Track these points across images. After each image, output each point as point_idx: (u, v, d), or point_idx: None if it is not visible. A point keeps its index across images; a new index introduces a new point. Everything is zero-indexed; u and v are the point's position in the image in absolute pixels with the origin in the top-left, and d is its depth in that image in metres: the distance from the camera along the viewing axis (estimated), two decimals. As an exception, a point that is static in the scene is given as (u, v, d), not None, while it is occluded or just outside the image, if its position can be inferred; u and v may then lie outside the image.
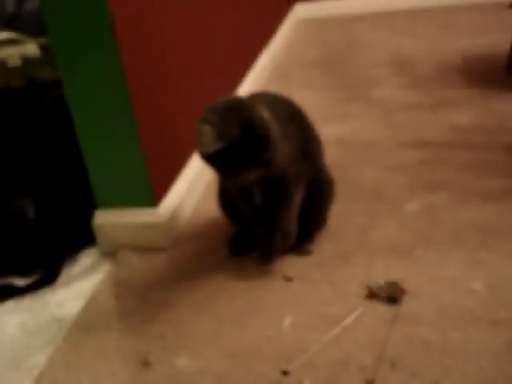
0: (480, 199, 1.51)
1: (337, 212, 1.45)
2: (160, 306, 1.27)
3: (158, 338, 1.18)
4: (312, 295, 1.24)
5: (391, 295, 1.18)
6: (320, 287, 1.26)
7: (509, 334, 1.06)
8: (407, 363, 1.03)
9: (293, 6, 3.89)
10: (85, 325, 1.26)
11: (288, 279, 1.30)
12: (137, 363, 1.12)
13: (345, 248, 1.38)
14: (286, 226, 1.31)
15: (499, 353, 1.03)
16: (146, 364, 1.11)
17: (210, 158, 1.16)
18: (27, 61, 1.50)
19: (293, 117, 1.30)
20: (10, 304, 1.37)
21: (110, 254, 1.49)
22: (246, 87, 2.35)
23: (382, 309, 1.16)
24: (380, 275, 1.26)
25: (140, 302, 1.30)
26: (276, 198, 1.29)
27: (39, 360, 1.17)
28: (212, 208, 1.52)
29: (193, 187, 1.67)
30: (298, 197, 1.31)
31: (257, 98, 1.26)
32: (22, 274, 1.43)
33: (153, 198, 1.46)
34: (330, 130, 1.94)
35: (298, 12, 3.94)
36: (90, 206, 1.49)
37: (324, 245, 1.40)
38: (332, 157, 1.49)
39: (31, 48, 1.51)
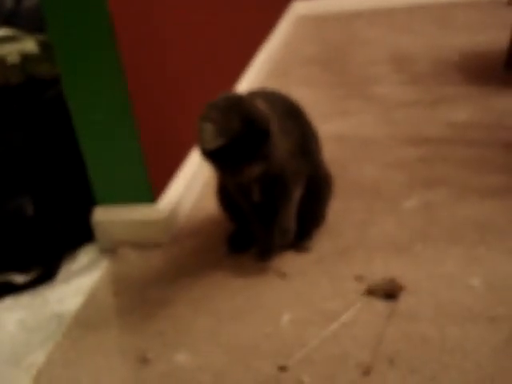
0: (478, 196, 1.51)
1: (335, 209, 1.46)
2: (159, 303, 1.27)
3: (156, 335, 1.18)
4: (310, 291, 1.24)
5: (389, 291, 1.19)
6: (318, 283, 1.26)
7: (507, 331, 1.06)
8: (405, 359, 1.03)
9: (291, 3, 3.88)
10: (84, 321, 1.26)
11: (282, 276, 1.30)
12: (135, 360, 1.12)
13: (343, 244, 1.38)
14: (285, 223, 1.31)
15: (497, 349, 1.03)
16: (144, 360, 1.11)
17: (210, 155, 1.16)
18: (26, 57, 1.50)
19: (291, 114, 1.30)
20: (9, 301, 1.37)
21: (109, 250, 1.49)
22: (245, 84, 2.35)
23: (380, 305, 1.17)
24: (378, 271, 1.26)
25: (139, 299, 1.30)
26: (274, 195, 1.30)
27: (38, 357, 1.17)
28: (211, 205, 1.52)
29: (192, 184, 1.68)
30: (297, 194, 1.32)
31: (255, 94, 1.27)
32: (21, 270, 1.43)
33: (152, 194, 1.47)
34: (328, 127, 1.95)
35: (297, 9, 3.94)
36: (89, 203, 1.49)
37: (322, 241, 1.40)
38: (331, 154, 1.49)
39: (30, 45, 1.51)
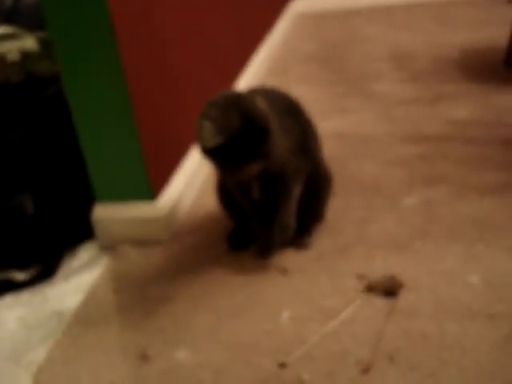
0: (478, 193, 1.51)
1: (335, 206, 1.46)
2: (159, 300, 1.27)
3: (156, 332, 1.18)
4: (310, 289, 1.24)
5: (389, 288, 1.19)
6: (318, 281, 1.26)
7: (506, 328, 1.07)
8: (405, 356, 1.03)
9: (290, 1, 3.88)
10: (84, 319, 1.26)
11: (284, 272, 1.31)
12: (136, 357, 1.12)
13: (343, 242, 1.38)
14: (285, 220, 1.31)
15: (496, 346, 1.03)
16: (144, 357, 1.11)
17: (210, 153, 1.16)
18: (26, 55, 1.50)
19: (291, 111, 1.30)
20: (9, 298, 1.37)
21: (108, 247, 1.49)
22: (244, 82, 2.36)
23: (379, 302, 1.17)
24: (378, 269, 1.26)
25: (139, 296, 1.30)
26: (274, 192, 1.30)
27: (38, 354, 1.17)
28: (211, 202, 1.52)
29: (191, 181, 1.68)
30: (297, 191, 1.32)
31: (255, 92, 1.27)
32: (21, 268, 1.43)
33: (152, 192, 1.47)
34: (328, 125, 1.95)
35: (296, 7, 3.94)
36: (89, 200, 1.49)
37: (322, 239, 1.40)
38: (330, 151, 1.49)
39: (30, 42, 1.51)
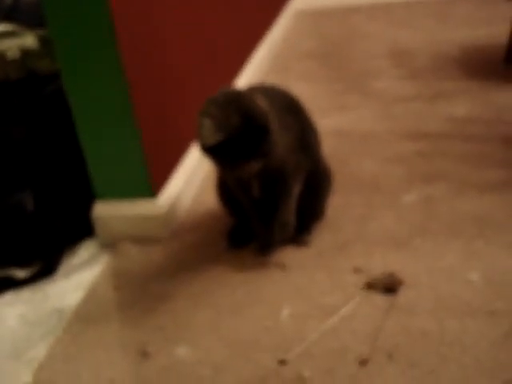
0: (477, 191, 1.51)
1: (335, 203, 1.46)
2: (159, 297, 1.27)
3: (157, 329, 1.18)
4: (310, 286, 1.24)
5: (389, 285, 1.19)
6: (318, 278, 1.27)
7: (505, 325, 1.07)
8: (404, 353, 1.03)
9: (290, -3, 3.88)
10: (84, 316, 1.27)
11: (282, 267, 1.31)
12: (136, 354, 1.13)
13: (343, 239, 1.38)
14: (285, 217, 1.31)
15: (496, 343, 1.03)
16: (145, 354, 1.12)
17: (210, 151, 1.16)
18: (26, 53, 1.50)
19: (290, 109, 1.30)
20: (10, 296, 1.37)
21: (109, 245, 1.49)
22: (244, 80, 2.36)
23: (379, 299, 1.17)
24: (378, 266, 1.27)
25: (139, 293, 1.30)
26: (274, 190, 1.30)
27: (39, 351, 1.17)
28: (211, 199, 1.52)
29: (191, 179, 1.68)
30: (296, 189, 1.32)
31: (255, 90, 1.27)
32: (22, 265, 1.43)
33: (152, 189, 1.47)
34: (328, 122, 1.95)
35: (295, 4, 3.94)
36: (89, 198, 1.49)
37: (322, 236, 1.40)
38: (330, 149, 1.49)
39: (30, 40, 1.51)
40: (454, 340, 1.05)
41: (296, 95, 1.34)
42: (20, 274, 1.41)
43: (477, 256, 1.27)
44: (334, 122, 2.04)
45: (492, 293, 1.16)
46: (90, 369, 1.11)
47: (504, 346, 1.03)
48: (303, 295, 1.22)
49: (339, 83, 2.47)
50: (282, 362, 1.05)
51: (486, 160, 1.67)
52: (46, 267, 1.42)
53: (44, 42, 1.50)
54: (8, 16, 1.62)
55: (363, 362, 1.02)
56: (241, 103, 1.15)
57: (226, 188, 1.39)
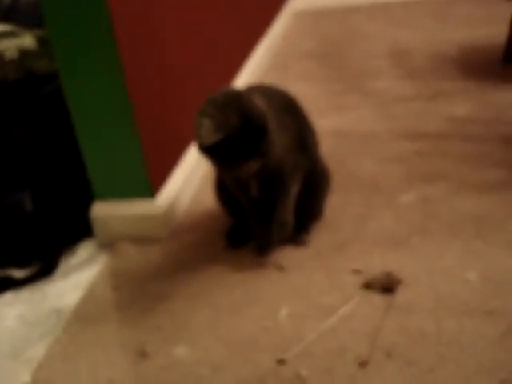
0: (476, 190, 1.52)
1: (333, 203, 1.46)
2: (157, 297, 1.28)
3: (155, 329, 1.18)
4: (308, 285, 1.24)
5: (387, 285, 1.19)
6: (316, 277, 1.27)
7: (503, 325, 1.07)
8: (403, 352, 1.03)
9: (289, -3, 3.88)
10: (83, 316, 1.27)
11: (280, 268, 1.31)
12: (134, 353, 1.13)
13: (341, 239, 1.38)
14: (283, 217, 1.31)
15: (494, 343, 1.03)
16: (143, 354, 1.12)
17: (208, 150, 1.16)
18: (24, 53, 1.50)
19: (289, 109, 1.30)
20: (9, 296, 1.37)
21: (107, 245, 1.49)
22: (243, 79, 2.36)
23: (377, 299, 1.17)
24: (376, 265, 1.27)
25: (138, 293, 1.30)
26: (272, 190, 1.30)
27: (38, 351, 1.17)
28: (209, 199, 1.52)
29: (190, 179, 1.68)
30: (295, 189, 1.32)
31: (253, 90, 1.27)
32: (21, 265, 1.44)
33: (150, 189, 1.47)
34: (326, 122, 1.95)
35: (295, 4, 3.94)
36: (88, 198, 1.49)
37: (321, 236, 1.40)
38: (329, 148, 1.49)
39: (28, 40, 1.51)
40: (452, 339, 1.05)
41: (294, 95, 1.34)
42: (19, 274, 1.42)
43: (475, 256, 1.27)
44: (332, 122, 2.04)
45: (490, 292, 1.16)
46: (89, 368, 1.11)
47: (502, 345, 1.03)
48: (301, 295, 1.22)
49: (338, 83, 2.47)
50: (281, 362, 1.05)
51: (485, 160, 1.67)
52: (44, 267, 1.42)
53: (42, 42, 1.50)
54: (6, 16, 1.62)
55: (363, 364, 1.02)
56: (239, 103, 1.15)
57: (224, 188, 1.39)
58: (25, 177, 1.48)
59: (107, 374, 1.09)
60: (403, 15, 3.53)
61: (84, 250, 1.51)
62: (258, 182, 1.28)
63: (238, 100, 1.16)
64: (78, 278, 1.40)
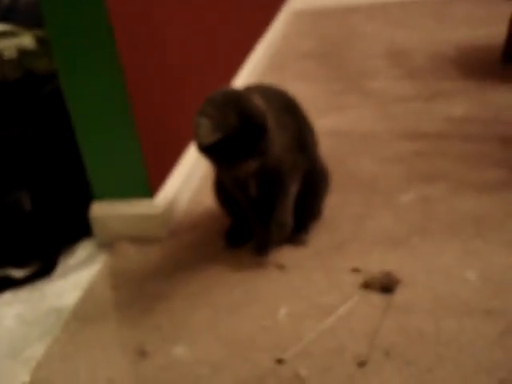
0: (476, 190, 1.52)
1: (333, 203, 1.46)
2: (156, 297, 1.28)
3: (154, 328, 1.18)
4: (307, 285, 1.25)
5: (386, 285, 1.19)
6: (315, 277, 1.27)
7: (502, 324, 1.07)
8: (401, 351, 1.04)
9: (288, -3, 3.89)
10: (82, 315, 1.27)
11: (280, 267, 1.31)
12: (134, 353, 1.13)
13: (340, 238, 1.38)
14: (282, 218, 1.31)
15: (492, 342, 1.04)
16: (142, 354, 1.12)
17: (207, 150, 1.16)
18: (23, 53, 1.50)
19: (288, 109, 1.30)
20: (8, 295, 1.37)
21: (106, 245, 1.49)
22: (242, 79, 2.36)
23: (376, 298, 1.17)
24: (375, 265, 1.27)
25: (137, 293, 1.30)
26: (272, 190, 1.30)
27: (37, 350, 1.17)
28: (208, 199, 1.52)
29: (189, 178, 1.68)
30: (294, 188, 1.32)
31: (252, 89, 1.27)
32: (20, 265, 1.44)
33: (149, 189, 1.47)
34: (325, 122, 1.95)
35: (294, 4, 3.94)
36: (87, 198, 1.49)
37: (320, 235, 1.40)
38: (328, 148, 1.49)
39: (27, 40, 1.51)
40: (451, 339, 1.05)
41: (293, 95, 1.35)
42: (18, 273, 1.42)
43: (475, 255, 1.27)
44: (331, 122, 2.04)
45: (489, 292, 1.16)
46: (88, 368, 1.11)
47: (501, 344, 1.03)
48: (300, 294, 1.22)
49: (337, 83, 2.47)
50: (280, 362, 1.05)
51: (484, 160, 1.67)
52: (43, 267, 1.42)
53: (41, 42, 1.50)
54: (6, 16, 1.62)
55: (361, 364, 1.02)
56: (238, 103, 1.15)
57: (223, 188, 1.39)
58: (24, 176, 1.48)
59: (106, 374, 1.09)
60: (402, 15, 3.54)
61: (83, 249, 1.51)
62: (257, 181, 1.28)
63: (237, 100, 1.16)
64: (77, 277, 1.40)
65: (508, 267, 1.22)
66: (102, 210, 1.49)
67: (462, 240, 1.33)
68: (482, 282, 1.19)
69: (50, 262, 1.44)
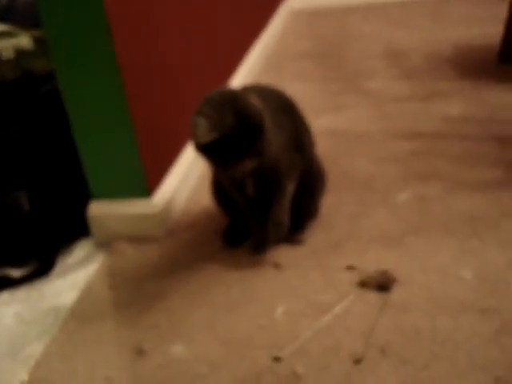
0: (472, 189, 1.52)
1: (329, 202, 1.47)
2: (154, 296, 1.28)
3: (152, 327, 1.19)
4: (304, 284, 1.25)
5: (382, 283, 1.20)
6: (312, 276, 1.27)
7: (497, 322, 1.08)
8: (397, 349, 1.04)
9: (286, -3, 3.89)
10: (80, 315, 1.27)
11: (277, 266, 1.32)
12: (132, 352, 1.13)
13: (337, 237, 1.39)
14: (279, 217, 1.32)
15: (488, 340, 1.04)
16: (140, 352, 1.12)
17: (204, 150, 1.17)
18: (21, 53, 1.50)
19: (285, 108, 1.31)
20: (6, 295, 1.37)
21: (104, 244, 1.50)
22: (239, 79, 2.36)
23: (372, 297, 1.18)
24: (371, 264, 1.27)
25: (134, 292, 1.31)
26: (269, 189, 1.31)
27: (35, 350, 1.18)
28: (206, 199, 1.53)
29: (186, 178, 1.69)
30: (291, 188, 1.33)
31: (249, 90, 1.27)
32: (18, 265, 1.44)
33: (147, 188, 1.47)
34: (322, 122, 1.96)
35: (291, 4, 3.94)
36: (85, 197, 1.50)
37: (316, 234, 1.41)
38: (325, 148, 1.50)
39: (25, 40, 1.51)
40: (447, 337, 1.06)
41: (290, 95, 1.35)
42: (16, 273, 1.42)
43: (470, 254, 1.28)
44: (328, 122, 2.05)
45: (485, 290, 1.17)
46: (86, 367, 1.12)
47: (496, 342, 1.03)
48: (297, 293, 1.23)
49: (335, 83, 2.48)
50: (277, 359, 1.06)
51: (480, 159, 1.68)
52: (41, 266, 1.43)
53: (39, 42, 1.51)
54: (3, 16, 1.62)
55: (357, 361, 1.03)
56: (235, 103, 1.16)
57: (220, 187, 1.39)
58: (22, 176, 1.48)
59: (104, 373, 1.09)
60: (400, 15, 3.54)
61: (81, 249, 1.51)
62: (254, 181, 1.29)
63: (234, 100, 1.17)
64: (75, 277, 1.40)
65: (503, 266, 1.23)
66: (99, 210, 1.49)
67: (457, 239, 1.33)
68: (477, 281, 1.19)
69: (48, 262, 1.44)
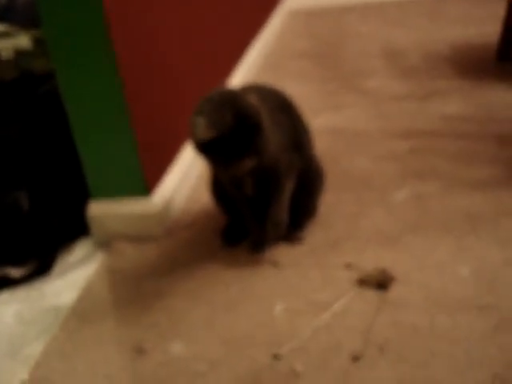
0: (469, 188, 1.53)
1: (327, 201, 1.47)
2: (154, 295, 1.28)
3: (152, 326, 1.19)
4: (303, 282, 1.26)
5: (380, 281, 1.20)
6: (311, 274, 1.28)
7: (495, 319, 1.08)
8: (395, 347, 1.05)
9: (284, -3, 3.90)
10: (80, 314, 1.27)
11: (275, 264, 1.32)
12: (131, 350, 1.14)
13: (335, 236, 1.40)
14: (277, 216, 1.33)
15: (485, 337, 1.05)
16: (140, 351, 1.13)
17: (202, 148, 1.17)
18: (20, 53, 1.51)
19: (283, 108, 1.31)
20: (6, 294, 1.38)
21: (104, 243, 1.50)
22: (237, 78, 2.37)
23: (371, 295, 1.18)
24: (370, 262, 1.28)
25: (134, 291, 1.31)
26: (267, 188, 1.31)
27: (35, 349, 1.18)
28: (205, 198, 1.53)
29: (185, 177, 1.69)
30: (289, 187, 1.33)
31: (248, 89, 1.28)
32: (17, 264, 1.44)
33: (146, 187, 1.48)
34: (320, 121, 1.97)
35: (289, 3, 3.95)
36: (84, 197, 1.50)
37: (315, 233, 1.41)
38: (323, 147, 1.51)
39: (24, 40, 1.52)
40: (445, 334, 1.06)
41: (289, 94, 1.36)
42: (15, 272, 1.42)
43: (468, 252, 1.28)
44: (326, 121, 2.05)
45: (482, 288, 1.17)
46: (86, 366, 1.12)
47: (494, 339, 1.04)
48: (296, 291, 1.23)
49: (333, 82, 2.48)
50: (276, 357, 1.06)
51: (477, 158, 1.68)
52: (41, 266, 1.43)
53: (38, 42, 1.51)
54: (2, 16, 1.63)
55: (356, 359, 1.03)
56: (234, 102, 1.16)
57: (219, 186, 1.40)
58: (21, 176, 1.48)
59: (104, 371, 1.10)
60: (397, 14, 3.55)
61: (80, 248, 1.51)
62: (253, 180, 1.29)
63: (233, 99, 1.17)
64: (75, 276, 1.41)
65: (501, 263, 1.23)
66: (99, 209, 1.50)
67: (455, 237, 1.34)
68: (475, 278, 1.20)
69: (48, 261, 1.45)
